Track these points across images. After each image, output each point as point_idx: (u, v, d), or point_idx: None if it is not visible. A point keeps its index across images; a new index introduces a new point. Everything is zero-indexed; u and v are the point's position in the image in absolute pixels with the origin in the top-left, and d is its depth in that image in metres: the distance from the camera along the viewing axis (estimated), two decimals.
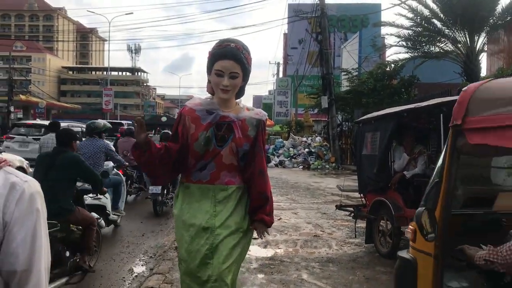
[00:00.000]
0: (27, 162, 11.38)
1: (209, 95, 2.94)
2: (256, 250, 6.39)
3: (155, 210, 8.88)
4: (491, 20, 18.40)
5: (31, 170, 11.05)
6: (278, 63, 56.12)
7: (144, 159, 2.76)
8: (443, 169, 2.30)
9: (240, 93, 2.95)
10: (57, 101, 66.25)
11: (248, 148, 2.85)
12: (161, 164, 2.81)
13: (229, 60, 2.71)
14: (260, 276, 5.17)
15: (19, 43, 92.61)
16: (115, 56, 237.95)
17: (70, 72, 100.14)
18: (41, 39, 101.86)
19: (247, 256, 5.97)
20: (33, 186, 1.34)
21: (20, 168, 10.75)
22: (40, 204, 1.34)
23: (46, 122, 15.74)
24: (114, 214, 7.38)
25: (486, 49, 20.81)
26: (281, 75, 53.89)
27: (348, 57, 30.99)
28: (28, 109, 47.71)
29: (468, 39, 18.57)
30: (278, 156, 23.29)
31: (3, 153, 11.10)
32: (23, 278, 1.28)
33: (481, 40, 18.93)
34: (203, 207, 2.79)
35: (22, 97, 45.77)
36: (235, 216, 2.80)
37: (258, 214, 2.90)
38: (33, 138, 14.59)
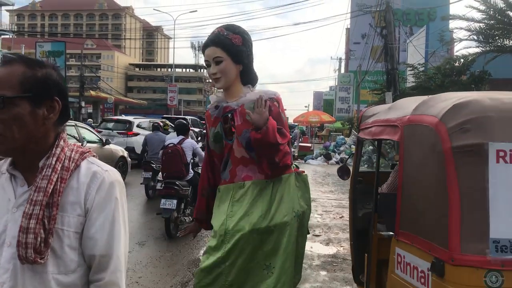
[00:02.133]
0: (127, 152, 12.84)
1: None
2: (318, 247, 6.36)
3: (167, 230, 6.71)
4: None
5: (129, 160, 12.61)
6: (340, 59, 55.36)
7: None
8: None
9: (246, 77, 2.68)
10: (124, 97, 68.99)
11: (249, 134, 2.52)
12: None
13: (209, 47, 2.58)
14: (323, 273, 5.14)
15: (90, 41, 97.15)
16: (179, 53, 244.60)
17: (137, 69, 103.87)
18: (110, 37, 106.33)
19: (309, 252, 5.96)
20: (112, 175, 1.40)
21: (122, 158, 12.26)
22: (119, 192, 1.40)
23: (131, 118, 16.95)
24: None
25: None
26: (342, 70, 53.11)
27: (414, 52, 30.02)
28: (97, 104, 49.98)
29: None
30: (339, 154, 22.99)
31: (110, 144, 12.05)
32: (102, 263, 1.34)
33: None
34: (222, 208, 2.59)
35: (92, 92, 47.99)
36: (251, 217, 2.49)
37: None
38: (117, 132, 15.62)
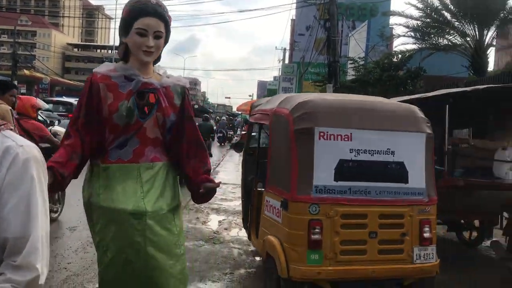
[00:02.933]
0: None
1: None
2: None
3: None
4: (502, 15, 18.19)
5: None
6: (285, 49, 55.80)
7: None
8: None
9: (158, 58, 2.63)
10: (61, 78, 66.04)
11: (175, 119, 2.54)
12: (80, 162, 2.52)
13: (153, 18, 2.41)
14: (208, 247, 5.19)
15: (25, 17, 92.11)
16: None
17: (75, 49, 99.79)
18: (47, 14, 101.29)
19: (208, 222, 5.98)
20: (29, 151, 1.28)
21: None
22: (36, 169, 1.28)
23: (72, 100, 16.05)
24: None
25: (494, 44, 20.62)
26: (287, 61, 53.62)
27: (356, 45, 30.80)
28: (31, 84, 47.54)
29: (477, 32, 18.39)
30: None
31: (55, 126, 11.22)
32: (17, 245, 1.23)
33: (490, 34, 18.74)
34: (128, 189, 2.42)
35: (26, 72, 45.56)
36: (165, 197, 2.50)
37: (203, 178, 2.61)
38: (57, 114, 15.00)
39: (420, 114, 4.25)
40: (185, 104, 2.60)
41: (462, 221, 6.23)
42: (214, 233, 6.63)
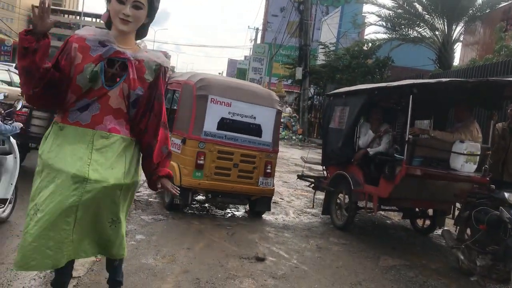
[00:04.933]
0: None
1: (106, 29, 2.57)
2: (214, 211, 6.44)
3: None
4: (471, 11, 18.60)
5: None
6: (257, 29, 55.30)
7: (33, 53, 2.23)
8: None
9: (142, 33, 2.63)
10: None
11: (142, 94, 2.50)
12: (40, 75, 2.31)
13: None
14: (216, 235, 5.22)
15: None
16: (90, 1, 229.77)
17: None
18: None
19: (204, 213, 6.07)
20: None
21: None
22: None
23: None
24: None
25: (462, 39, 21.10)
26: (259, 41, 53.28)
27: (328, 31, 30.91)
28: None
29: (446, 27, 18.76)
30: None
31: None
32: None
33: (458, 29, 19.17)
34: (76, 152, 2.39)
35: None
36: (115, 170, 2.44)
37: (161, 170, 2.65)
38: None
39: (275, 97, 6.49)
40: (157, 82, 2.56)
41: (417, 209, 6.43)
42: None
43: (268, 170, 6.07)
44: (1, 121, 4.41)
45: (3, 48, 41.80)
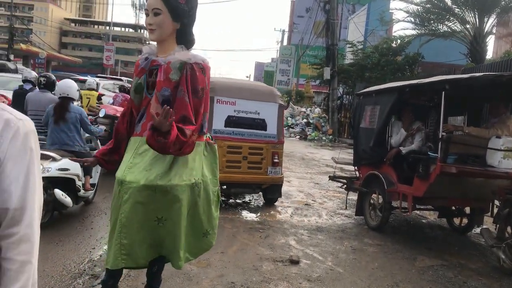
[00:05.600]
0: None
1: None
2: (246, 214, 6.45)
3: None
4: (503, 2, 18.05)
5: None
6: (283, 31, 55.35)
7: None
8: None
9: (183, 37, 2.65)
10: (57, 53, 65.42)
11: (168, 94, 2.53)
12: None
13: None
14: (249, 239, 5.23)
15: None
16: (119, 11, 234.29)
17: (73, 24, 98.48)
18: None
19: (237, 217, 6.09)
20: (27, 125, 1.31)
21: None
22: (34, 143, 1.32)
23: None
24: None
25: (494, 32, 20.51)
26: (285, 43, 53.22)
27: (355, 29, 30.60)
28: (28, 58, 47.07)
29: (477, 19, 18.26)
30: None
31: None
32: (16, 216, 1.26)
33: (490, 21, 18.61)
34: (125, 159, 2.64)
35: (23, 46, 44.99)
36: (152, 172, 2.50)
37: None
38: None
39: (277, 93, 7.07)
40: (181, 79, 2.53)
41: (453, 207, 6.27)
42: None
43: (276, 160, 6.60)
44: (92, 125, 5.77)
45: (37, 60, 43.06)
